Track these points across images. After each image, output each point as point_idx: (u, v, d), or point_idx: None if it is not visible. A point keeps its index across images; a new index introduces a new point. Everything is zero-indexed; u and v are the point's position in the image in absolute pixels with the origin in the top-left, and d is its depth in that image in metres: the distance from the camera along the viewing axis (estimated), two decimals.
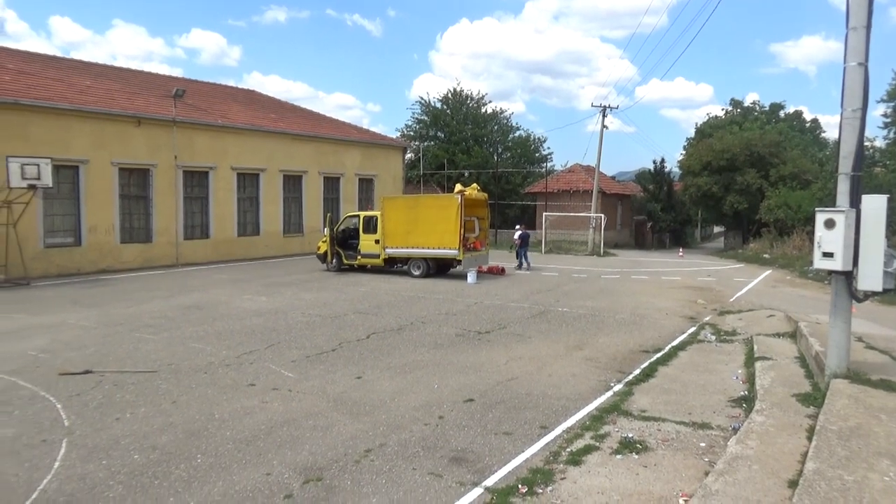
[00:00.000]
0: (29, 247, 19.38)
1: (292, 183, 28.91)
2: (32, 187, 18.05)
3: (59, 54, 31.26)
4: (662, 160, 49.39)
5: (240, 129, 26.38)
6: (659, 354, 10.50)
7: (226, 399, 7.89)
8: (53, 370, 9.10)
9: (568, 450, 6.36)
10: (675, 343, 11.46)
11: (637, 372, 9.37)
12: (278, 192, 28.19)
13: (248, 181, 27.01)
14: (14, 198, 18.06)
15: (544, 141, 54.41)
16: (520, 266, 23.45)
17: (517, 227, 25.83)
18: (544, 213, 36.01)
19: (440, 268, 20.71)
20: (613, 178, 52.49)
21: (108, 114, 21.79)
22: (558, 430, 6.95)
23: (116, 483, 5.57)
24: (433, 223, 20.04)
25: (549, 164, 49.80)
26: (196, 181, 24.99)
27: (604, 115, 34.90)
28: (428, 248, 20.21)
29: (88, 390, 8.20)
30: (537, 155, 52.01)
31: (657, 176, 49.31)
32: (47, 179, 18.18)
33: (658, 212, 47.56)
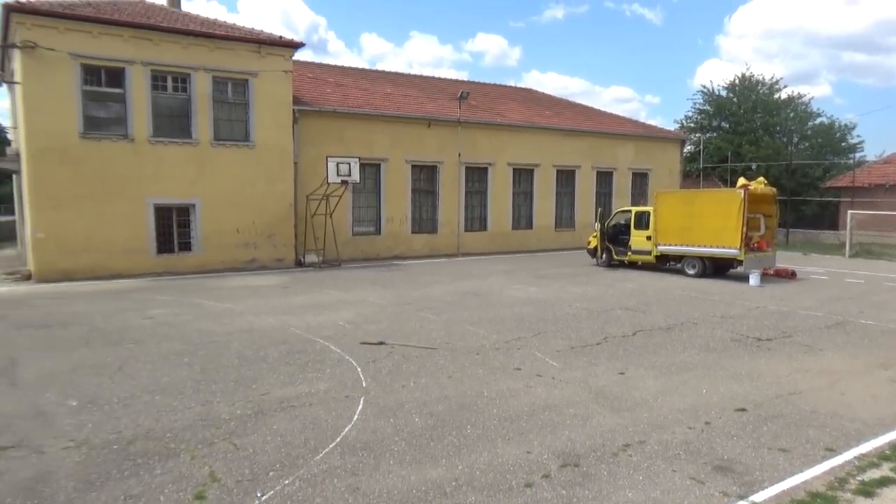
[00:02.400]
0: (341, 234, 22.78)
1: (565, 178, 29.39)
2: (345, 182, 21.13)
3: (366, 66, 35.85)
4: None
5: (516, 127, 27.59)
6: None
7: (494, 379, 8.48)
8: (356, 339, 10.66)
9: (859, 478, 5.63)
10: None
11: None
12: (551, 186, 28.90)
13: (522, 176, 28.17)
14: (331, 192, 21.37)
15: (853, 128, 46.99)
16: None
17: None
18: (849, 212, 31.27)
19: (718, 268, 19.34)
20: None
21: (405, 117, 24.50)
22: (848, 455, 6.16)
23: (400, 439, 6.40)
24: (712, 219, 18.78)
25: (858, 155, 42.98)
26: (476, 177, 26.83)
27: None
28: (705, 246, 19.02)
29: (381, 358, 9.46)
30: (843, 144, 45.20)
31: None
32: (356, 176, 21.14)
33: None
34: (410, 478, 5.56)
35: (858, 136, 56.21)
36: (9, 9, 17.09)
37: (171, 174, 19.27)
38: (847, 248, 29.13)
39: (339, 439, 6.38)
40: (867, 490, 5.36)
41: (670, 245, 19.87)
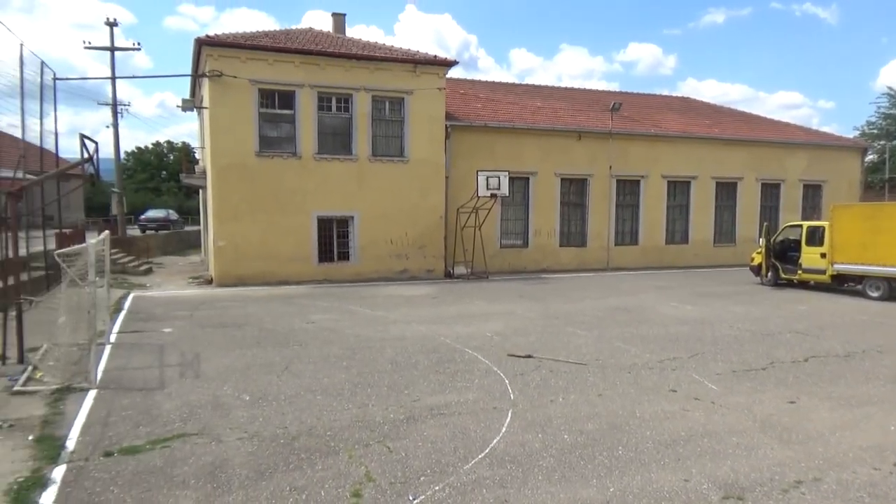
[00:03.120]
0: (489, 246, 23.04)
1: (725, 190, 27.64)
2: (494, 196, 21.37)
3: (515, 81, 36.08)
4: None
5: (671, 137, 26.41)
6: None
7: (647, 400, 8.13)
8: (503, 351, 10.70)
9: None
10: None
11: None
12: (710, 199, 27.31)
13: (678, 189, 26.88)
14: (480, 205, 21.69)
15: None
16: None
17: None
18: None
19: None
20: None
21: (554, 129, 24.34)
22: None
23: (549, 455, 6.31)
24: None
25: None
26: (628, 189, 26.00)
27: None
28: (890, 265, 17.00)
29: (529, 372, 9.41)
30: None
31: None
32: (505, 189, 21.31)
33: None
34: (560, 495, 5.46)
35: None
36: (200, 42, 19.24)
37: (333, 189, 20.58)
38: None
39: (487, 450, 6.42)
40: None
41: (849, 264, 17.99)
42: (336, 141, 20.79)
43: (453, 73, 22.77)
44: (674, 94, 37.68)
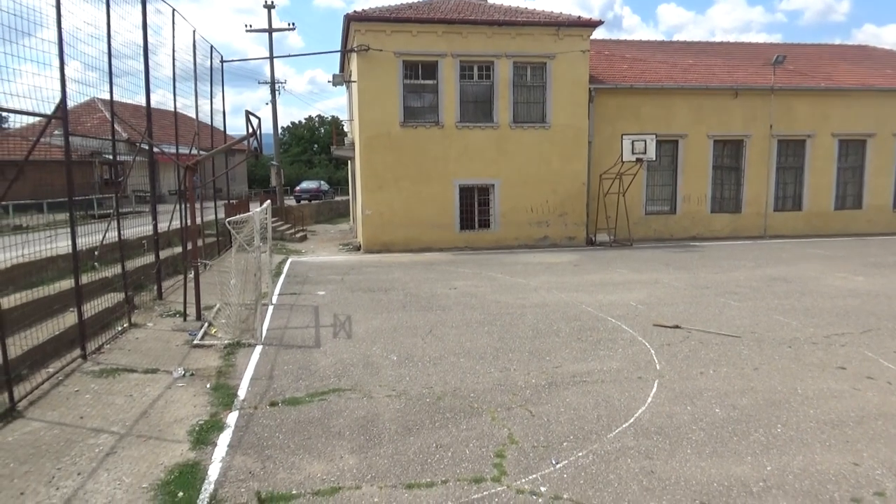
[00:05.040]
0: (633, 213, 22.21)
1: None
2: (639, 160, 20.49)
3: (664, 39, 34.01)
4: None
5: (845, 91, 23.73)
6: None
7: (810, 377, 7.53)
8: (648, 320, 10.34)
9: None
10: None
11: None
12: (890, 159, 24.35)
13: (850, 148, 24.21)
14: (625, 170, 20.90)
15: None
16: None
17: None
18: None
19: None
20: None
21: (707, 88, 22.75)
22: None
23: (698, 429, 6.06)
24: None
25: None
26: (791, 150, 23.83)
27: None
28: None
29: (677, 343, 9.04)
30: None
31: None
32: (651, 153, 20.35)
33: None
34: (710, 470, 5.24)
35: None
36: (349, 18, 19.98)
37: (474, 157, 20.74)
38: None
39: (632, 420, 6.28)
40: None
41: None
42: (477, 109, 20.86)
43: (597, 34, 21.92)
44: (848, 43, 33.79)
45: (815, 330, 9.71)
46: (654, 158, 20.83)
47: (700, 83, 22.92)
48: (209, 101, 17.92)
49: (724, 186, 23.61)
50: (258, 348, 8.92)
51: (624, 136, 20.35)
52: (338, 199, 46.40)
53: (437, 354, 8.59)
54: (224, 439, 5.92)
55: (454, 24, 20.10)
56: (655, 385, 7.27)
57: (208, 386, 7.42)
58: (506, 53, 20.44)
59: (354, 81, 20.80)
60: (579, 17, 21.32)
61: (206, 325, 10.14)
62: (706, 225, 23.27)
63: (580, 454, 5.55)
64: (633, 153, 20.25)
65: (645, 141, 20.26)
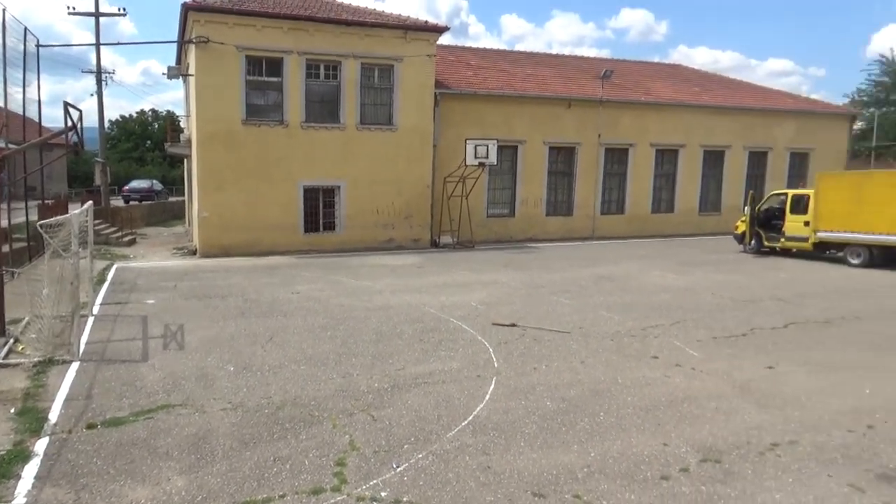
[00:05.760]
0: (476, 216, 23.00)
1: (712, 159, 27.61)
2: (482, 165, 21.27)
3: (506, 48, 35.68)
4: None
5: (661, 105, 26.29)
6: None
7: (629, 367, 8.22)
8: (488, 320, 10.75)
9: None
10: None
11: None
12: (697, 168, 27.32)
13: (666, 157, 26.85)
14: (468, 174, 21.59)
15: None
16: None
17: None
18: None
19: (888, 258, 17.35)
20: None
21: (544, 97, 24.14)
22: None
23: (531, 422, 6.39)
24: (884, 205, 16.87)
25: None
26: (616, 158, 25.94)
27: None
28: (873, 233, 17.16)
29: (513, 340, 9.48)
30: None
31: None
32: (494, 158, 21.20)
33: None
34: (541, 461, 5.54)
35: None
36: (187, 7, 18.81)
37: (319, 158, 20.38)
38: None
39: (470, 418, 6.49)
40: None
41: (832, 231, 18.13)
42: (324, 109, 20.52)
43: (443, 39, 22.45)
44: (664, 62, 37.42)
45: (633, 323, 10.63)
46: (496, 163, 21.71)
47: (538, 92, 24.27)
48: (22, 89, 16.06)
49: (558, 191, 25.18)
50: (75, 365, 8.11)
51: (468, 141, 21.01)
52: (172, 199, 43.52)
53: (278, 363, 8.32)
54: (30, 470, 5.31)
55: (301, 20, 19.64)
56: (493, 382, 7.57)
57: (12, 411, 6.62)
58: (353, 54, 20.31)
59: (192, 75, 19.64)
60: (426, 22, 21.71)
61: (12, 341, 9.06)
62: (542, 227, 24.66)
63: (420, 455, 5.63)
64: (476, 157, 20.97)
65: (487, 146, 21.05)
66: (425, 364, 8.29)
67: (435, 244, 22.12)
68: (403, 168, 21.37)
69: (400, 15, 22.22)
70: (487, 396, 7.10)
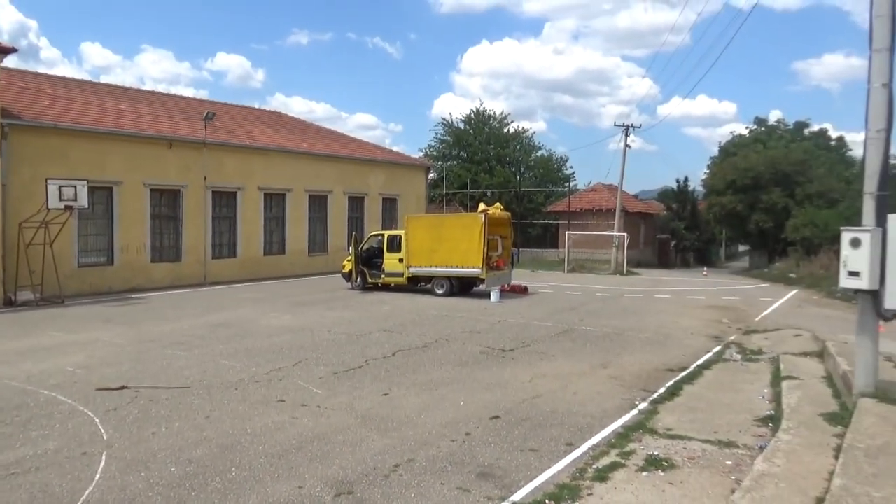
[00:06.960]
0: (64, 266, 19.87)
1: (317, 202, 29.36)
2: (69, 208, 18.58)
3: (89, 79, 32.23)
4: (686, 178, 49.07)
5: (267, 150, 26.93)
6: (684, 373, 10.51)
7: (257, 414, 8.09)
8: (91, 385, 9.38)
9: (594, 466, 6.43)
10: (700, 362, 11.45)
11: (662, 391, 9.39)
12: (304, 211, 28.65)
13: (274, 201, 27.50)
14: (51, 218, 18.59)
15: (566, 160, 54.07)
16: None
17: None
18: (567, 233, 36.08)
19: (464, 286, 20.81)
20: (636, 196, 52.25)
21: (141, 136, 22.44)
22: (584, 448, 7.02)
23: (155, 494, 5.76)
24: (457, 242, 20.22)
25: (571, 184, 49.84)
26: (224, 201, 25.52)
27: (626, 134, 35.02)
28: (451, 266, 20.38)
29: (125, 405, 8.45)
30: (559, 174, 52.09)
31: (680, 194, 49.03)
32: (83, 201, 18.72)
33: (682, 230, 47.19)
34: None
35: (571, 166, 64.74)
36: None
37: None
38: (566, 264, 33.58)
39: None
40: (602, 476, 6.15)
41: (421, 267, 20.92)
42: None
43: (9, 62, 19.08)
44: (265, 108, 38.53)
45: (257, 369, 10.51)
46: (87, 206, 19.24)
47: (133, 130, 22.44)
48: None
49: (164, 235, 23.56)
50: None
51: (49, 181, 18.12)
52: None
53: None
54: None
55: None
56: (104, 458, 6.61)
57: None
58: None
59: None
60: None
61: None
62: (147, 275, 22.69)
63: None
64: (61, 200, 18.20)
65: (75, 187, 18.50)
66: (10, 451, 6.78)
67: (10, 303, 18.38)
68: None
69: None
70: (98, 476, 6.15)
